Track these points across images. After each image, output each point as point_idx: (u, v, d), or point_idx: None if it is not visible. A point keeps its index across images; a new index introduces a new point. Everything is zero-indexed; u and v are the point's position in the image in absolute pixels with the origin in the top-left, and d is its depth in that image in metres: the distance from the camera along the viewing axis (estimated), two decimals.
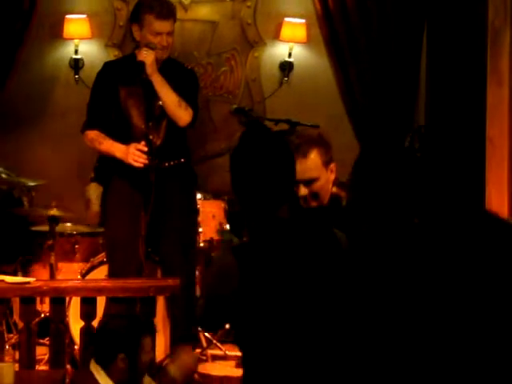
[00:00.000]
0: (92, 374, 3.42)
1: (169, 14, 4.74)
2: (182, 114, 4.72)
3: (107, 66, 4.94)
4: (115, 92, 4.77)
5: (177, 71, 4.84)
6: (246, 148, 2.72)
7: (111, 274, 4.86)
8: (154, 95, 4.68)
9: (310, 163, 3.49)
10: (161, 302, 4.65)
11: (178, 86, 4.71)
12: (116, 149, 4.72)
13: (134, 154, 4.65)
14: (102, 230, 5.34)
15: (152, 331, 3.65)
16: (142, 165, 4.66)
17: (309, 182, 3.51)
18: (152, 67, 4.62)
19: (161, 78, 4.65)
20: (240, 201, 2.73)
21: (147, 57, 4.61)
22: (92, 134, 4.79)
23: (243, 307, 2.59)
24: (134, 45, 4.92)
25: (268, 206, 2.66)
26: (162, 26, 4.68)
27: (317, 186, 3.52)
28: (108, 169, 4.92)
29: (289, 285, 2.57)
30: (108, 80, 4.81)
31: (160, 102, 4.69)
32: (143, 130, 4.71)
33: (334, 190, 3.62)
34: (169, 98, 4.67)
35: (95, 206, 5.56)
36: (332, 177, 3.58)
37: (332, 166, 3.57)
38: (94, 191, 5.57)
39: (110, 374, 3.41)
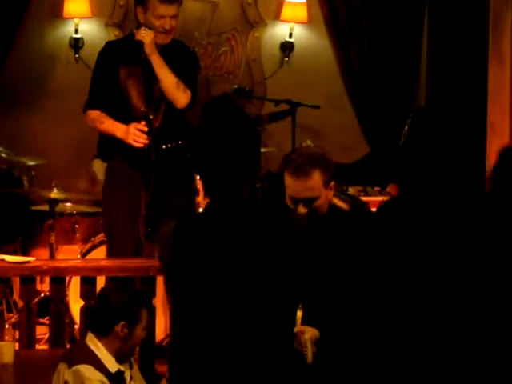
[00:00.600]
0: (88, 347, 3.43)
1: None
2: (180, 96, 4.70)
3: (108, 45, 4.92)
4: (115, 72, 4.76)
5: (178, 52, 4.82)
6: (210, 124, 2.68)
7: (111, 254, 4.86)
8: (153, 76, 4.67)
9: (312, 183, 3.50)
10: (160, 282, 4.65)
11: (178, 67, 4.69)
12: (116, 128, 4.72)
13: (135, 134, 4.64)
14: (101, 209, 5.34)
15: (149, 306, 3.65)
16: (142, 145, 4.66)
17: (309, 201, 3.53)
18: (150, 47, 4.60)
19: (159, 58, 4.63)
20: (201, 177, 2.74)
21: (145, 36, 4.60)
22: (93, 114, 4.79)
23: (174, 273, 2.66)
24: (136, 24, 4.90)
25: (229, 186, 2.64)
26: (166, 9, 4.66)
27: (316, 204, 3.54)
28: (108, 148, 4.92)
29: (217, 262, 2.61)
30: (109, 60, 4.79)
31: (159, 84, 4.67)
32: (143, 110, 4.70)
33: (334, 200, 3.65)
34: (167, 79, 4.65)
35: (101, 180, 5.61)
36: (331, 195, 3.60)
37: (332, 184, 3.58)
38: (100, 166, 5.59)
39: (107, 346, 3.42)
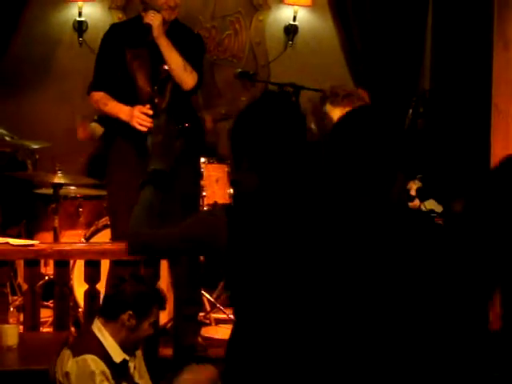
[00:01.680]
0: (94, 335, 3.43)
1: None
2: (187, 78, 4.70)
3: (113, 28, 4.91)
4: (121, 54, 4.74)
5: (183, 35, 4.81)
6: (256, 108, 2.63)
7: (115, 237, 4.86)
8: (159, 58, 4.65)
9: None
10: (164, 266, 4.65)
11: (184, 50, 4.68)
12: (121, 111, 4.70)
13: (139, 117, 4.63)
14: (104, 192, 5.33)
15: (162, 306, 3.68)
16: (146, 128, 4.64)
17: None
18: (158, 30, 4.59)
19: (167, 41, 4.62)
20: (239, 162, 2.67)
21: (154, 19, 4.58)
22: (97, 96, 4.77)
23: (232, 266, 2.52)
24: (138, 7, 4.89)
25: (276, 169, 2.56)
26: None
27: None
28: (113, 130, 4.91)
29: (277, 252, 2.48)
30: (114, 42, 4.78)
31: (166, 66, 4.66)
32: (148, 92, 4.69)
33: None
34: (174, 62, 4.65)
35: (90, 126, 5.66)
36: None
37: None
38: (98, 128, 5.64)
39: (113, 333, 3.42)
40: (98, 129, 5.64)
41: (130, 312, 3.43)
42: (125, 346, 3.45)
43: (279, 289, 2.47)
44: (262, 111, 2.63)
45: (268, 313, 2.48)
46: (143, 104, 4.65)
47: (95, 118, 5.64)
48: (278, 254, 2.48)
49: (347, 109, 3.42)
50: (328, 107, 3.62)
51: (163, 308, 3.60)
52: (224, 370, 2.61)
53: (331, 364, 2.41)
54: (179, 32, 4.77)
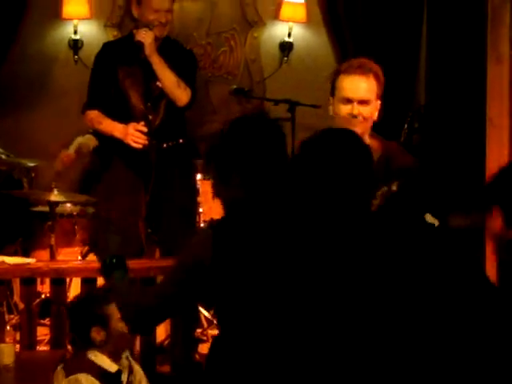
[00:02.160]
0: (86, 356, 3.42)
1: None
2: (181, 95, 4.72)
3: (106, 46, 4.93)
4: (114, 73, 4.76)
5: (175, 51, 4.84)
6: (237, 130, 2.72)
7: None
8: (152, 75, 4.67)
9: (369, 84, 3.67)
10: None
11: (177, 66, 4.70)
12: (115, 128, 4.72)
13: (133, 135, 4.64)
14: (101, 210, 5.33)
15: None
16: (141, 145, 4.65)
17: (362, 102, 3.65)
18: (151, 47, 4.61)
19: (159, 58, 4.64)
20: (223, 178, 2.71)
21: (146, 37, 4.60)
22: (92, 114, 4.80)
23: (215, 283, 2.59)
24: (133, 25, 4.91)
25: (260, 184, 2.66)
26: (160, 3, 4.68)
27: (367, 110, 3.67)
28: (105, 146, 4.93)
29: (261, 265, 2.57)
30: (107, 61, 4.80)
31: (158, 83, 4.68)
32: (142, 110, 4.71)
33: (368, 140, 3.61)
34: (167, 79, 4.66)
35: (71, 150, 5.64)
36: (375, 114, 3.73)
37: (379, 103, 3.73)
38: (83, 139, 5.63)
39: (101, 351, 3.40)
40: (92, 141, 5.63)
41: (94, 328, 3.42)
42: (117, 353, 3.44)
43: (262, 303, 2.56)
44: (248, 129, 2.71)
45: (253, 325, 2.56)
46: (137, 121, 4.66)
47: (90, 130, 5.63)
48: (262, 269, 2.56)
49: (361, 78, 3.60)
50: (341, 77, 3.66)
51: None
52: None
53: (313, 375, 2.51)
54: (171, 48, 4.79)
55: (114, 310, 3.36)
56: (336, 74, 3.70)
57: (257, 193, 2.65)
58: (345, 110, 3.65)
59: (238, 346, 2.58)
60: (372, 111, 3.68)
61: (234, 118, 2.79)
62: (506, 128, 5.14)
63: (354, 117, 3.63)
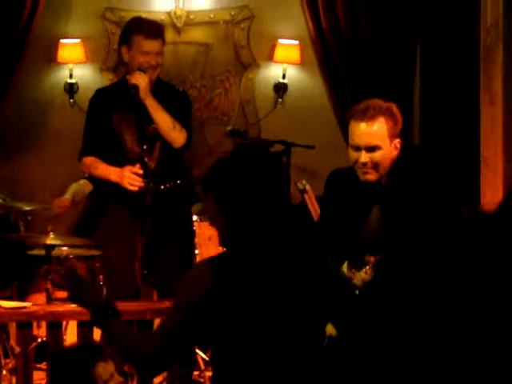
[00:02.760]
0: None
1: (157, 33, 4.77)
2: (177, 136, 4.74)
3: (99, 93, 4.96)
4: (108, 118, 4.78)
5: (169, 93, 4.86)
6: (239, 159, 2.75)
7: (109, 296, 4.84)
8: (146, 118, 4.69)
9: (375, 129, 3.46)
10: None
11: (171, 108, 4.73)
12: (111, 172, 4.73)
13: (130, 178, 4.66)
14: (97, 253, 5.33)
15: (103, 356, 3.27)
16: (137, 188, 4.66)
17: (371, 149, 3.47)
18: (145, 90, 4.63)
19: (154, 101, 4.66)
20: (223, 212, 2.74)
21: (141, 80, 4.63)
22: (88, 161, 4.82)
23: (213, 315, 2.65)
24: (124, 69, 4.95)
25: (259, 220, 2.71)
26: (150, 45, 4.71)
27: (378, 156, 3.47)
28: (103, 189, 4.94)
29: (260, 299, 2.66)
30: (100, 107, 4.83)
31: (154, 125, 4.70)
32: (138, 153, 4.72)
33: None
34: (163, 121, 4.68)
35: (66, 195, 5.63)
36: (394, 153, 3.50)
37: (397, 141, 3.51)
38: (78, 185, 5.64)
39: None
40: (87, 186, 5.65)
41: None
42: None
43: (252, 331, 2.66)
44: (251, 158, 2.75)
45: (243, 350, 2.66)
46: (133, 164, 4.68)
47: (85, 175, 5.66)
48: (256, 301, 2.66)
49: (367, 124, 3.45)
50: (351, 123, 3.51)
51: (106, 357, 3.35)
52: None
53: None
54: (164, 90, 4.82)
55: (99, 373, 3.17)
56: (347, 118, 3.56)
57: (256, 224, 2.70)
58: (354, 156, 3.50)
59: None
60: (384, 155, 3.45)
61: (234, 148, 2.81)
62: (500, 167, 5.16)
63: (364, 164, 3.48)
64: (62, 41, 6.31)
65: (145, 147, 4.69)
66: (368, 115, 3.45)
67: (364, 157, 3.47)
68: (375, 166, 3.47)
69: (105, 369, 3.19)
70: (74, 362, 3.23)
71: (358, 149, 3.48)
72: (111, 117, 4.78)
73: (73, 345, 3.92)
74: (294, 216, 5.53)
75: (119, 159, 4.75)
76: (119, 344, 2.80)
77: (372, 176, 3.49)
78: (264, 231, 2.70)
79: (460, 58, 5.91)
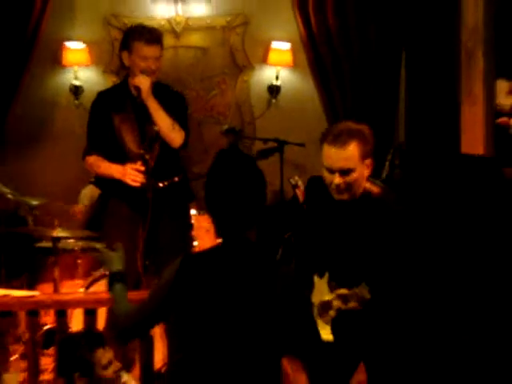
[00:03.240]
0: None
1: (156, 39, 4.81)
2: (176, 136, 4.78)
3: (100, 95, 4.98)
4: (109, 119, 4.82)
5: (166, 94, 4.89)
6: (221, 170, 2.86)
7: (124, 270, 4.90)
8: (146, 118, 4.73)
9: (348, 153, 3.46)
10: None
11: (169, 109, 4.77)
12: (113, 169, 4.78)
13: (131, 174, 4.71)
14: (101, 245, 5.38)
15: (102, 343, 3.44)
16: (139, 184, 4.72)
17: (344, 172, 3.49)
18: (148, 92, 4.68)
19: (155, 102, 4.71)
20: (212, 217, 2.88)
21: (144, 81, 4.68)
22: (91, 160, 4.86)
23: (173, 306, 2.82)
24: (127, 72, 4.99)
25: (237, 227, 2.83)
26: (149, 51, 4.75)
27: (351, 178, 3.49)
28: (108, 189, 4.99)
29: (213, 299, 2.78)
30: (102, 109, 4.86)
31: (153, 126, 4.74)
32: (138, 152, 4.77)
33: (367, 185, 3.59)
34: (163, 122, 4.73)
35: (81, 203, 5.68)
36: (367, 172, 3.55)
37: (368, 161, 3.54)
38: (88, 192, 5.68)
39: None
40: (95, 191, 5.70)
41: (76, 374, 3.36)
42: None
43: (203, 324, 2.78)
44: (226, 168, 2.86)
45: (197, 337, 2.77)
46: (134, 163, 4.73)
47: (92, 179, 5.71)
48: (207, 295, 2.79)
49: (339, 149, 3.45)
50: (324, 146, 3.50)
51: (104, 344, 3.42)
52: None
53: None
54: (162, 92, 4.86)
55: (99, 358, 3.31)
56: (321, 140, 3.53)
57: (228, 230, 2.85)
58: (329, 178, 3.52)
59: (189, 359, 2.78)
60: (357, 176, 3.50)
61: (215, 156, 2.92)
62: None
63: (338, 186, 3.50)
64: (67, 45, 6.35)
65: (145, 146, 4.74)
66: (341, 140, 3.45)
67: (338, 179, 3.49)
68: (348, 187, 3.51)
69: (104, 355, 3.32)
70: (76, 347, 3.39)
71: (331, 171, 3.50)
72: (112, 117, 4.82)
73: (78, 332, 4.00)
74: (286, 210, 5.60)
75: (120, 158, 4.80)
76: (113, 306, 3.09)
77: (346, 196, 3.53)
78: (234, 239, 2.83)
79: (443, 60, 5.93)
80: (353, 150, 3.46)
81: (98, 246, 5.19)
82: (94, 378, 3.29)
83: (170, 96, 4.91)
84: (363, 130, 3.54)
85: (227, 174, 2.83)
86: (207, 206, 2.86)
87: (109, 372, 3.31)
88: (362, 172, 3.52)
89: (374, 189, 3.59)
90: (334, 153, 3.46)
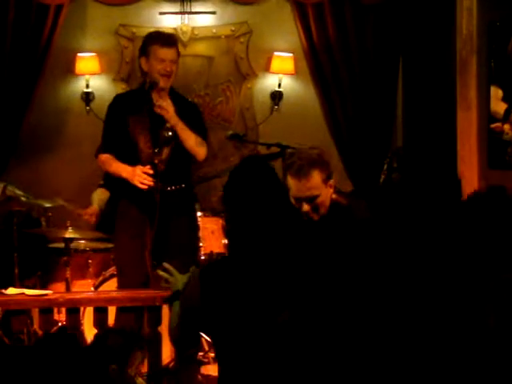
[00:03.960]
0: None
1: (172, 42, 4.81)
2: (200, 151, 4.81)
3: (117, 98, 4.98)
4: (124, 121, 4.80)
5: (183, 105, 4.88)
6: (242, 179, 2.79)
7: (121, 286, 4.87)
8: (159, 123, 4.71)
9: (312, 183, 3.55)
10: (165, 311, 4.65)
11: (189, 121, 4.76)
12: (123, 170, 4.75)
13: (141, 176, 4.67)
14: (111, 245, 5.35)
15: (142, 346, 3.50)
16: (146, 186, 4.68)
17: (311, 200, 3.57)
18: (174, 118, 4.67)
19: (182, 124, 4.69)
20: (230, 222, 2.82)
21: (168, 108, 4.66)
22: (104, 158, 4.83)
23: (206, 319, 2.72)
24: (141, 79, 4.96)
25: (256, 234, 2.74)
26: (165, 53, 4.73)
27: (318, 202, 3.58)
28: (117, 191, 4.95)
29: (241, 305, 2.68)
30: (118, 111, 4.84)
31: (165, 132, 4.71)
32: (149, 154, 4.74)
33: (334, 196, 3.67)
34: (190, 139, 4.74)
35: (94, 205, 5.65)
36: (331, 191, 3.64)
37: (331, 181, 3.63)
38: (98, 195, 5.66)
39: None
40: (105, 194, 5.66)
41: (113, 366, 3.30)
42: None
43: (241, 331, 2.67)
44: (246, 177, 2.75)
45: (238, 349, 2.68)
46: (144, 165, 4.70)
47: (101, 182, 5.67)
48: (239, 306, 2.68)
49: (301, 181, 3.51)
50: (288, 177, 3.59)
51: (143, 348, 3.41)
52: None
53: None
54: (178, 102, 4.84)
55: (134, 359, 3.38)
56: (284, 170, 3.59)
57: (248, 234, 2.75)
58: (297, 204, 3.58)
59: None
60: (323, 199, 3.61)
61: (237, 164, 2.86)
62: (475, 165, 5.20)
63: (307, 212, 3.57)
64: (79, 54, 6.32)
65: (156, 150, 4.71)
66: (303, 173, 3.53)
67: (306, 207, 3.56)
68: (316, 210, 3.58)
69: (139, 356, 3.29)
70: (120, 342, 3.35)
71: (298, 200, 3.56)
72: (127, 120, 4.80)
73: (119, 329, 3.98)
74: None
75: (132, 159, 4.77)
76: (170, 320, 3.01)
77: (315, 217, 3.58)
78: (256, 243, 2.74)
79: (438, 68, 5.92)
80: (315, 178, 3.55)
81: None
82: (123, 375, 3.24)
83: (189, 108, 4.90)
84: (321, 156, 3.62)
85: (250, 182, 2.77)
86: (227, 208, 2.79)
87: (133, 372, 3.28)
88: (326, 194, 3.61)
89: (342, 200, 3.67)
90: (298, 185, 3.54)
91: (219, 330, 2.69)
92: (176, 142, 4.73)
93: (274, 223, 2.74)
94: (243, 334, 2.64)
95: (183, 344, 3.00)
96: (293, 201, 3.57)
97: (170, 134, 4.70)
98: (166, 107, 4.68)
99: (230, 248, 2.84)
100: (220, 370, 2.74)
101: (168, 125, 4.71)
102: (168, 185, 4.78)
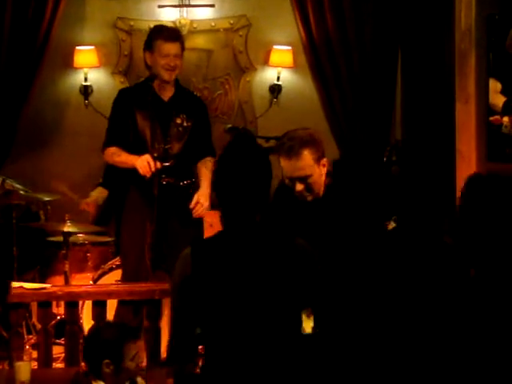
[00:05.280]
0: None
1: (176, 37, 4.82)
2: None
3: (122, 92, 4.96)
4: (132, 115, 4.78)
5: (189, 101, 4.88)
6: (232, 158, 2.79)
7: (125, 278, 4.86)
8: (167, 118, 4.72)
9: (303, 162, 3.54)
10: (165, 304, 4.64)
11: (193, 116, 4.75)
12: (132, 157, 4.70)
13: (144, 160, 4.61)
14: (110, 239, 5.35)
15: (136, 336, 3.38)
16: (149, 174, 4.63)
17: (303, 179, 3.56)
18: (208, 207, 4.75)
19: (208, 181, 4.73)
20: (220, 202, 2.78)
21: (204, 203, 4.75)
22: (112, 150, 4.80)
23: (195, 297, 2.68)
24: (140, 72, 4.95)
25: (244, 213, 2.72)
26: (169, 47, 4.73)
27: (311, 181, 3.57)
28: (123, 180, 4.94)
29: (230, 279, 2.67)
30: (124, 105, 4.82)
31: (174, 128, 4.72)
32: (157, 149, 4.73)
33: (329, 180, 3.67)
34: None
35: (93, 197, 5.65)
36: (324, 170, 3.63)
37: (323, 160, 3.62)
38: (97, 192, 5.65)
39: (105, 381, 3.25)
40: (104, 192, 5.64)
41: (106, 361, 3.23)
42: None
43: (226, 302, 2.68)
44: (234, 159, 2.78)
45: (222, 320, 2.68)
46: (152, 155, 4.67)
47: (100, 181, 5.64)
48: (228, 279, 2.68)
49: (292, 160, 3.51)
50: (280, 158, 3.58)
51: (138, 337, 3.37)
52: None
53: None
54: (185, 97, 4.85)
55: (128, 351, 3.25)
56: (275, 153, 3.58)
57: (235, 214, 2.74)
58: (290, 184, 3.60)
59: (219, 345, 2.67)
60: (316, 178, 3.59)
61: (225, 147, 2.85)
62: (474, 159, 5.18)
63: (300, 191, 3.58)
64: (77, 48, 6.30)
65: (163, 146, 4.71)
66: (294, 152, 3.52)
67: (299, 186, 3.57)
68: (310, 189, 3.58)
69: (134, 348, 3.27)
70: (109, 331, 3.33)
71: (291, 179, 3.57)
72: (134, 114, 4.77)
73: (112, 322, 3.98)
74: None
75: (140, 152, 4.73)
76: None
77: (309, 197, 3.59)
78: (242, 222, 2.73)
79: (437, 61, 5.90)
80: (307, 158, 3.54)
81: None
82: (121, 367, 3.24)
83: (196, 105, 4.90)
84: (312, 136, 3.61)
85: (238, 159, 2.76)
86: (216, 189, 2.78)
87: (133, 364, 3.27)
88: (319, 173, 3.60)
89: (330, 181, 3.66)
90: (290, 165, 3.54)
91: (209, 300, 2.68)
92: (188, 136, 4.75)
93: (264, 200, 2.76)
94: (231, 305, 2.66)
95: (178, 349, 2.82)
96: (286, 181, 3.59)
97: (181, 129, 4.70)
98: (203, 203, 4.72)
99: (222, 225, 2.80)
100: (206, 347, 2.71)
101: (178, 120, 4.71)
102: (181, 180, 4.78)
